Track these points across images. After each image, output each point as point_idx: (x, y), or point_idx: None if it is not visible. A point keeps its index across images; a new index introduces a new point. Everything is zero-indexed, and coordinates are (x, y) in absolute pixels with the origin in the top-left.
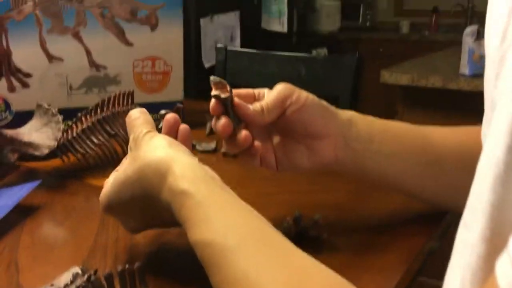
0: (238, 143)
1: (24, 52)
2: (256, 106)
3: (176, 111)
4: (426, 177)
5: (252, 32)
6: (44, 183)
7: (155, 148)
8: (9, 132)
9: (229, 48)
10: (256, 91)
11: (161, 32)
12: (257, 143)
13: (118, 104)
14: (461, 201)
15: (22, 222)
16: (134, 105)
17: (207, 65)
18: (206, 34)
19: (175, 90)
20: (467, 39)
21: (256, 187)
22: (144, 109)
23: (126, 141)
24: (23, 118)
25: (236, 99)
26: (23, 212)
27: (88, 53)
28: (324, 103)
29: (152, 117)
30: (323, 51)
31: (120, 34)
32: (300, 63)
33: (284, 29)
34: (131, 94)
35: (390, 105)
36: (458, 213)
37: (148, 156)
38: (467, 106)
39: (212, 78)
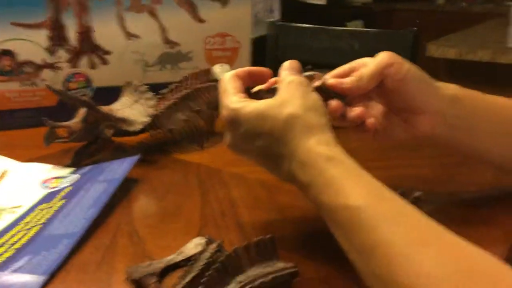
0: (351, 120)
1: (104, 30)
2: (352, 76)
3: (311, 77)
4: None
5: (291, 5)
6: None
7: (311, 107)
8: (105, 109)
9: (280, 23)
10: (355, 62)
11: (230, 8)
12: (370, 120)
13: (199, 81)
14: None
15: (127, 195)
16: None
17: None
18: None
19: (243, 66)
20: None
21: None
22: (297, 62)
23: (209, 117)
24: (102, 94)
25: (329, 81)
26: (124, 186)
27: (163, 30)
28: (427, 77)
29: None
30: (358, 23)
31: (193, 11)
32: (354, 38)
33: (323, 1)
34: (209, 71)
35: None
36: None
37: (302, 110)
38: None
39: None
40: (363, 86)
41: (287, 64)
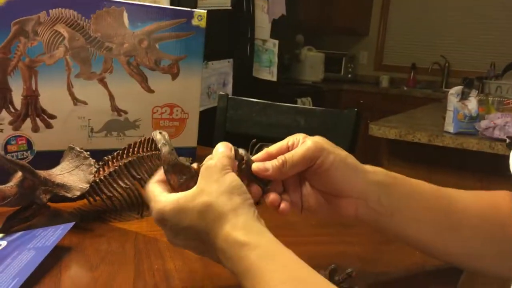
0: (268, 204)
1: (51, 95)
2: (274, 162)
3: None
4: (447, 240)
5: (243, 79)
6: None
7: (225, 191)
8: (43, 173)
9: (231, 96)
10: (291, 140)
11: (181, 81)
12: (282, 205)
13: (143, 149)
14: (476, 262)
15: (58, 264)
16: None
17: (200, 108)
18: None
19: (189, 136)
20: (452, 99)
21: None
22: (229, 144)
23: None
24: (43, 157)
25: (254, 166)
26: (56, 254)
27: (111, 98)
28: (353, 163)
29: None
30: (307, 100)
31: (143, 82)
32: (300, 114)
33: (274, 78)
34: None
35: (369, 155)
36: (474, 272)
37: (215, 197)
38: (450, 162)
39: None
40: (286, 173)
41: (218, 145)
